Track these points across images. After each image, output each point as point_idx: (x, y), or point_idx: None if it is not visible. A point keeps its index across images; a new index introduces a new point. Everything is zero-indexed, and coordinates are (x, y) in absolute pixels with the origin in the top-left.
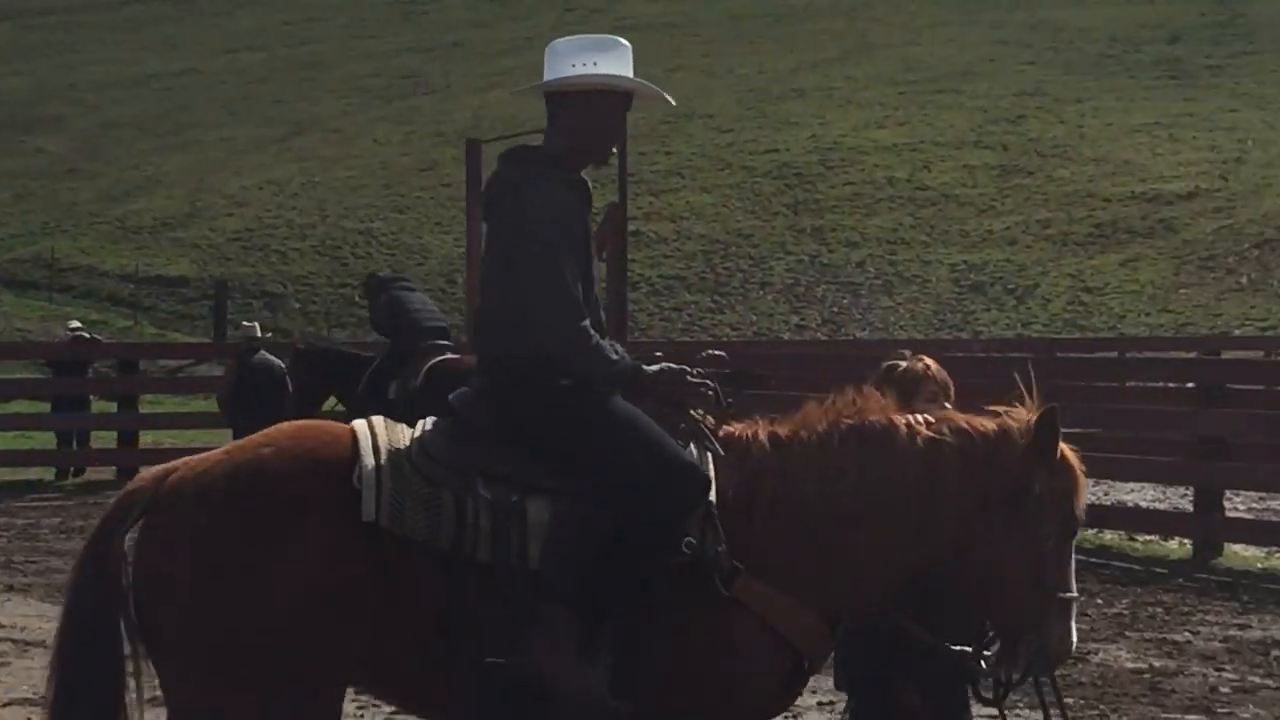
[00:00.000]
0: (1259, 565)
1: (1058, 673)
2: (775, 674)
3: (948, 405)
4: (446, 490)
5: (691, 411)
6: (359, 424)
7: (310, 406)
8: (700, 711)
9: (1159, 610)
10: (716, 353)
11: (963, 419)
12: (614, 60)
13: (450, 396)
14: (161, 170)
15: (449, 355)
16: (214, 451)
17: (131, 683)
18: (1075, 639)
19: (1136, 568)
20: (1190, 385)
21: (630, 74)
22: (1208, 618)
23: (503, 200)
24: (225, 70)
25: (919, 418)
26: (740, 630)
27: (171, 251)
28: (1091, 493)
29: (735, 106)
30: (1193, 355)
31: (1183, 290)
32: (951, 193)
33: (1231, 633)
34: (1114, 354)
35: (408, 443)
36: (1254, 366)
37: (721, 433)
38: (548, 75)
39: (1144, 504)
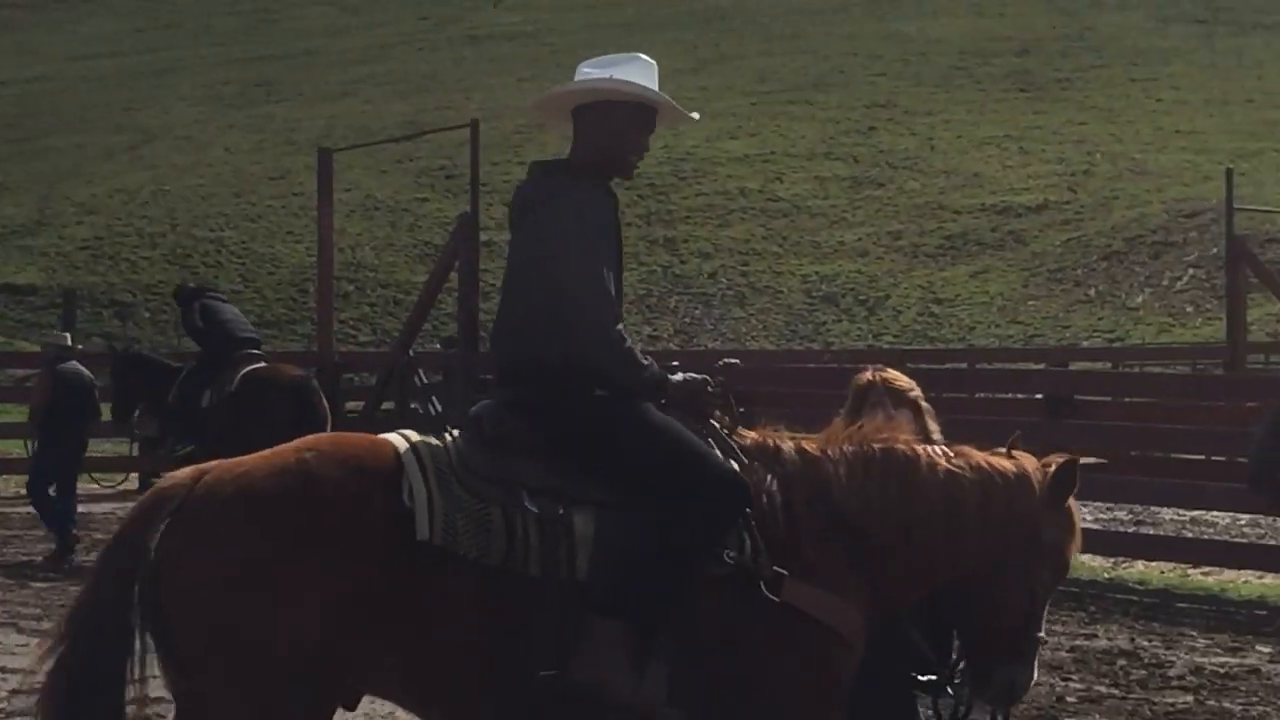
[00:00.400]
0: (1105, 575)
1: None
2: (841, 670)
3: (906, 413)
4: (495, 506)
5: (712, 421)
6: (395, 437)
7: (127, 414)
8: (765, 715)
9: None
10: (732, 361)
11: (981, 457)
12: (632, 72)
13: (477, 408)
14: (10, 178)
15: (261, 364)
16: (253, 455)
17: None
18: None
19: None
20: (1038, 396)
21: (652, 86)
22: (1054, 628)
23: (536, 210)
24: (76, 77)
25: (941, 450)
26: (798, 633)
27: (20, 260)
28: None
29: None
30: (1041, 367)
31: (1031, 302)
32: (803, 204)
33: (1078, 642)
34: (963, 365)
35: (449, 457)
36: (1101, 378)
37: (740, 442)
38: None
39: None
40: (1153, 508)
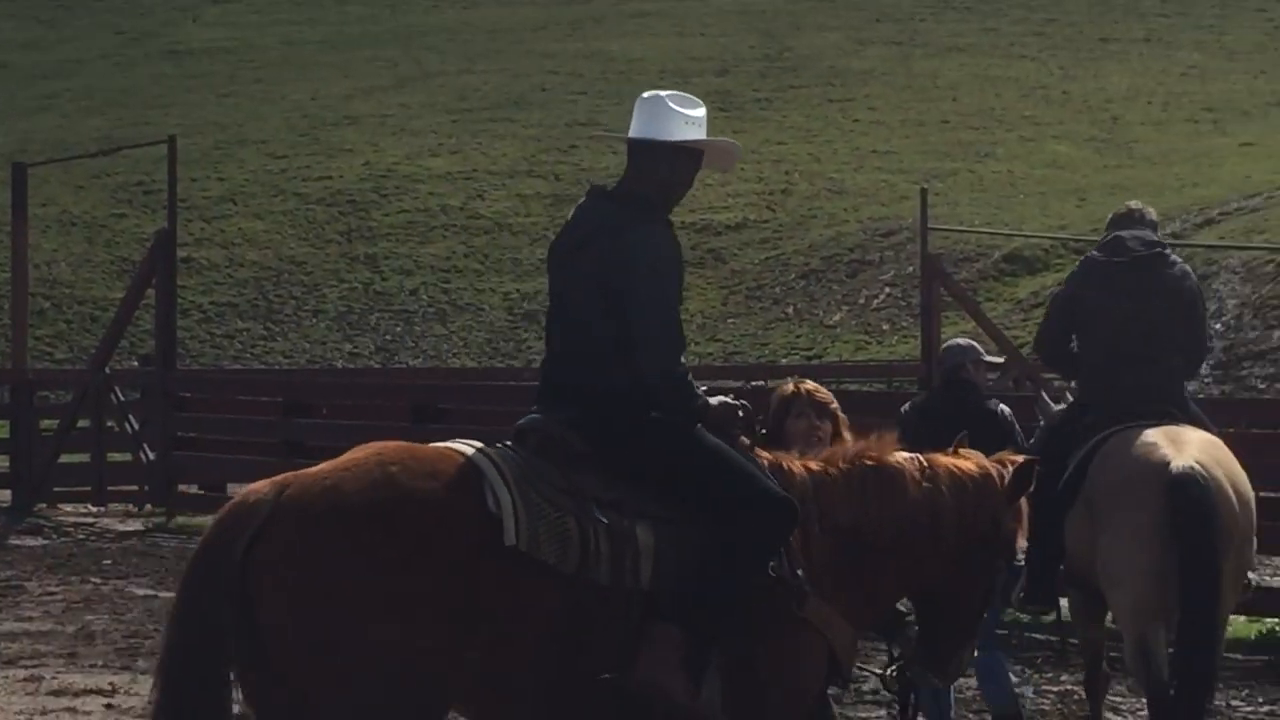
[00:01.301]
0: None
1: None
2: (822, 686)
3: (829, 424)
4: (569, 516)
5: (743, 441)
6: (461, 445)
7: None
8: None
9: None
10: (758, 383)
11: (947, 463)
12: (704, 119)
13: (526, 422)
14: None
15: None
16: (327, 466)
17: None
18: None
19: None
20: None
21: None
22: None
23: (607, 238)
24: None
25: (918, 460)
26: (811, 647)
27: None
28: None
29: (288, 133)
30: (740, 384)
31: (731, 320)
32: (505, 221)
33: None
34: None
35: (523, 467)
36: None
37: (759, 462)
38: (654, 126)
39: None
40: None
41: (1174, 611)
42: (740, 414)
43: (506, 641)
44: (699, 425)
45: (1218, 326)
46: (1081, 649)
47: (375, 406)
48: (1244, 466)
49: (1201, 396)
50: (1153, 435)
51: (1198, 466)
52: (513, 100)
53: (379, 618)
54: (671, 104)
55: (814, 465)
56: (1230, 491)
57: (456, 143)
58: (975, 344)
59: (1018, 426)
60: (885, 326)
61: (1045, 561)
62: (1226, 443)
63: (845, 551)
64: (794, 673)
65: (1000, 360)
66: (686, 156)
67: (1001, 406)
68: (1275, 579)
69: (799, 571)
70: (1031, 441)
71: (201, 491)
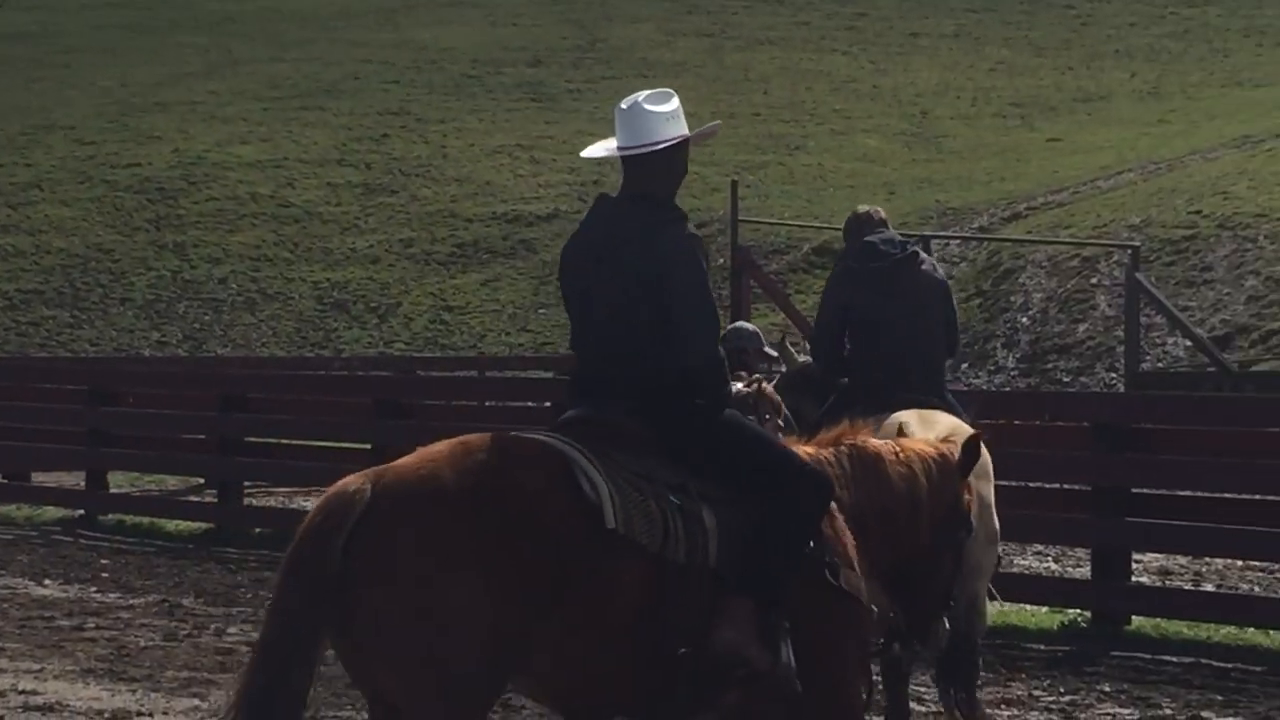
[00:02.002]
0: None
1: None
2: (870, 640)
3: (778, 420)
4: (650, 499)
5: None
6: (540, 435)
7: None
8: (823, 689)
9: None
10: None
11: (915, 446)
12: (679, 108)
13: (575, 414)
14: None
15: None
16: (418, 457)
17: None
18: None
19: None
20: (548, 404)
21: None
22: None
23: (641, 239)
24: None
25: (891, 444)
26: (850, 610)
27: None
28: None
29: (97, 119)
30: (550, 375)
31: (542, 310)
32: (315, 210)
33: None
34: (474, 373)
35: (602, 453)
36: None
37: None
38: (642, 133)
39: None
40: None
41: None
42: (751, 401)
43: (601, 622)
44: (734, 411)
45: (1024, 320)
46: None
47: (183, 396)
48: (1045, 458)
49: (1008, 389)
50: (905, 416)
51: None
52: (324, 88)
53: (480, 600)
54: (649, 107)
55: (809, 449)
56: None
57: (267, 130)
58: (759, 331)
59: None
60: None
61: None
62: (1030, 435)
63: (851, 524)
64: (846, 639)
65: (776, 354)
66: (677, 149)
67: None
68: (1078, 570)
69: (828, 545)
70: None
71: (5, 480)
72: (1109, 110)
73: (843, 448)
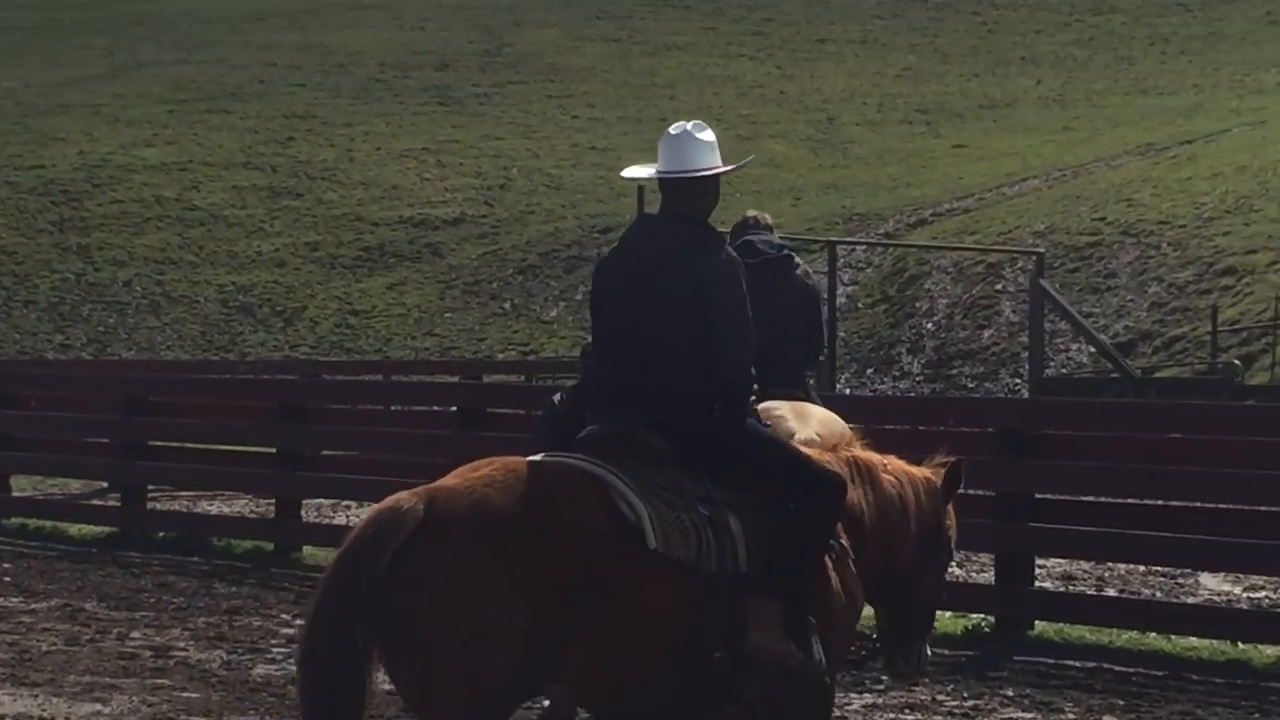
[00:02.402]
0: None
1: None
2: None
3: None
4: (682, 513)
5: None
6: (571, 459)
7: None
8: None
9: None
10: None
11: (900, 463)
12: (714, 138)
13: (594, 430)
14: None
15: None
16: (466, 480)
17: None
18: None
19: None
20: (453, 409)
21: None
22: None
23: (689, 259)
24: None
25: (879, 458)
26: (853, 613)
27: None
28: (355, 514)
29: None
30: (456, 379)
31: (448, 314)
32: (220, 213)
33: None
34: (380, 377)
35: (632, 474)
36: (514, 390)
37: None
38: (688, 159)
39: None
40: None
41: None
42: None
43: (642, 636)
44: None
45: (929, 326)
46: None
47: (86, 399)
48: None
49: (913, 394)
50: (781, 408)
51: (817, 437)
52: (229, 91)
53: (515, 620)
54: (697, 135)
55: (814, 454)
56: None
57: (172, 133)
58: None
59: None
60: None
61: None
62: (934, 440)
63: (848, 525)
64: (840, 635)
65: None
66: (714, 176)
67: None
68: (981, 575)
69: (842, 539)
70: None
71: None
72: (1014, 117)
73: (843, 454)
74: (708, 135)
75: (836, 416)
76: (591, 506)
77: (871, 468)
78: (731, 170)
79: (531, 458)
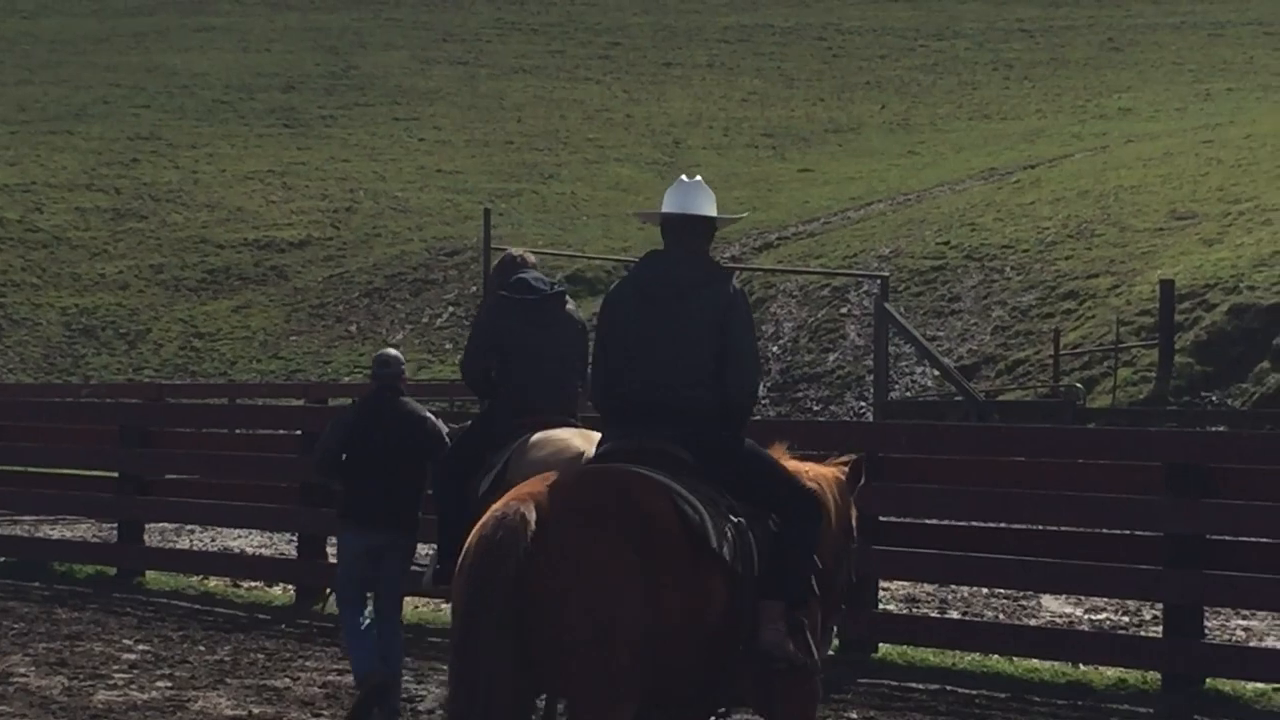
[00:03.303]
0: None
1: None
2: None
3: None
4: (721, 519)
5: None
6: (636, 468)
7: None
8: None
9: (260, 656)
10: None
11: (817, 467)
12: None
13: (619, 444)
14: None
15: None
16: (550, 486)
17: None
18: None
19: (240, 614)
20: (298, 432)
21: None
22: (308, 663)
23: (707, 289)
24: None
25: (800, 465)
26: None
27: None
28: (199, 539)
29: None
30: (301, 402)
31: (294, 337)
32: (64, 235)
33: (330, 678)
34: (225, 400)
35: (686, 484)
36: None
37: None
38: (694, 203)
39: (250, 550)
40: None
41: None
42: None
43: (696, 629)
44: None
45: (774, 349)
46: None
47: None
48: None
49: (758, 418)
50: (567, 432)
51: None
52: (73, 112)
53: (635, 600)
54: (702, 185)
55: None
56: None
57: (14, 154)
58: (397, 353)
59: (444, 430)
60: (448, 346)
61: (456, 543)
62: None
63: None
64: (820, 625)
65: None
66: (713, 220)
67: (429, 413)
68: None
69: None
70: (453, 444)
71: None
72: (859, 141)
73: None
74: (707, 187)
75: None
76: (663, 505)
77: (798, 472)
78: (729, 221)
79: (586, 466)
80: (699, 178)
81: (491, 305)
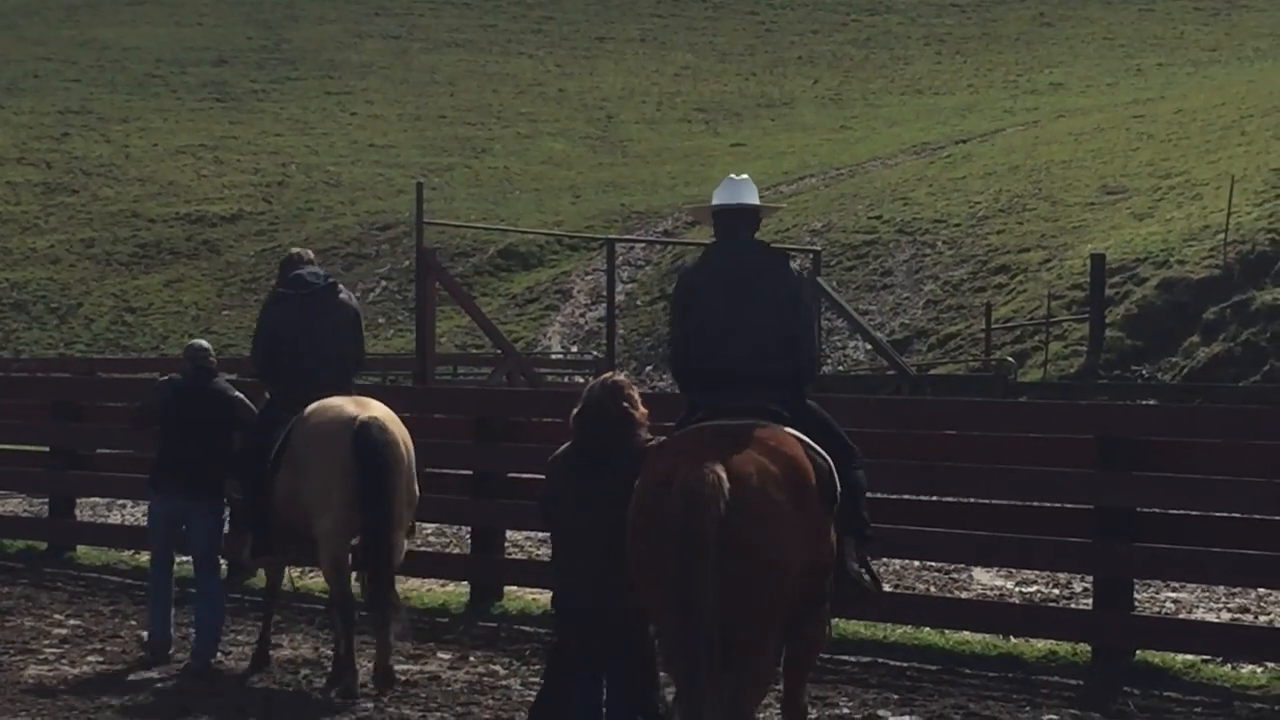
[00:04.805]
0: (294, 585)
1: None
2: None
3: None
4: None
5: None
6: (775, 426)
7: None
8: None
9: (192, 631)
10: None
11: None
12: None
13: (745, 403)
14: None
15: None
16: (696, 444)
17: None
18: None
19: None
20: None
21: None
22: (239, 637)
23: (774, 272)
24: None
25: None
26: None
27: None
28: (131, 513)
29: None
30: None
31: (226, 311)
32: None
33: (273, 652)
34: (156, 374)
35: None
36: None
37: None
38: (744, 195)
39: None
40: None
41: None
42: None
43: (823, 559)
44: None
45: None
46: (330, 596)
47: None
48: None
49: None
50: (341, 400)
51: (377, 419)
52: (3, 86)
53: (801, 543)
54: (748, 181)
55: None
56: (400, 441)
57: None
58: (207, 344)
59: (249, 404)
60: (381, 320)
61: (261, 519)
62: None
63: None
64: None
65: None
66: (759, 209)
67: (236, 392)
68: None
69: None
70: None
71: None
72: (792, 116)
73: None
74: (751, 182)
75: (389, 409)
76: (803, 457)
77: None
78: (771, 210)
79: (719, 422)
80: (745, 175)
81: (271, 300)
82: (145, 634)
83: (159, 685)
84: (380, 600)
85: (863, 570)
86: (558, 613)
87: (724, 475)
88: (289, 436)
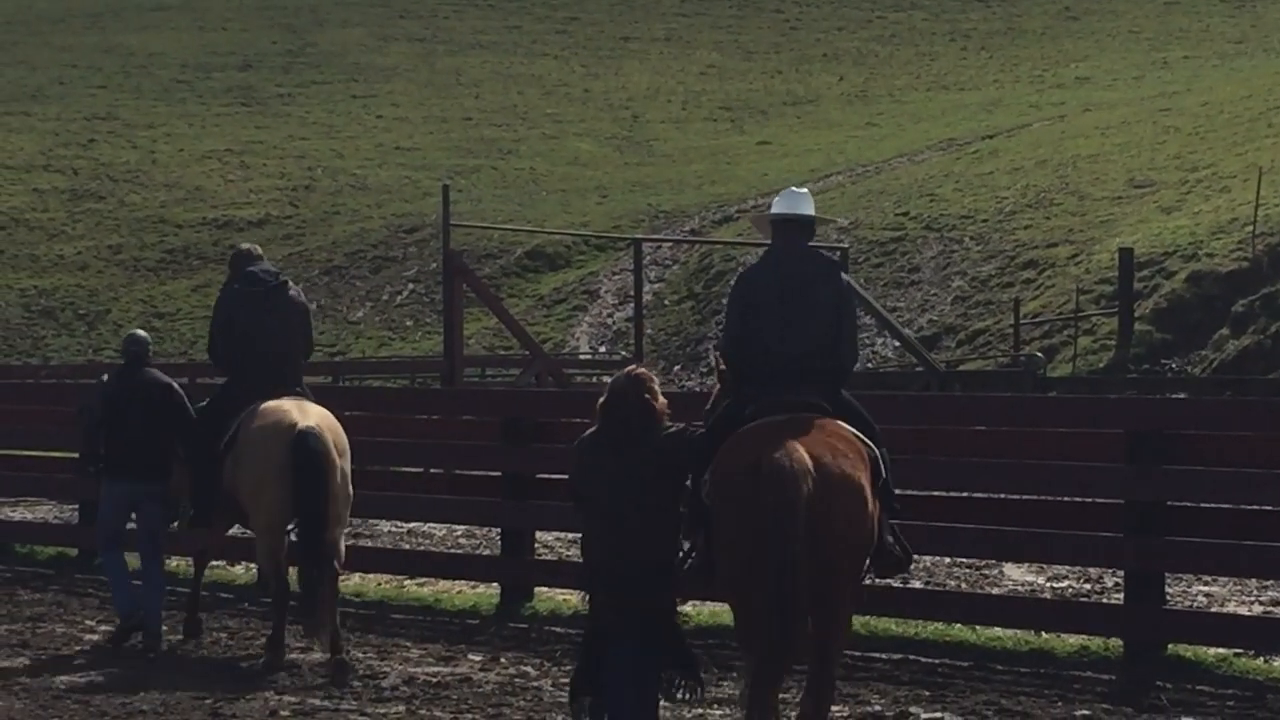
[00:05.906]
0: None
1: None
2: None
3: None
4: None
5: None
6: (840, 421)
7: None
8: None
9: (223, 635)
10: None
11: None
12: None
13: (772, 401)
14: None
15: None
16: (809, 442)
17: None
18: None
19: (203, 593)
20: None
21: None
22: (255, 641)
23: (827, 277)
24: None
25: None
26: None
27: None
28: None
29: None
30: None
31: None
32: (21, 217)
33: (293, 656)
34: (185, 380)
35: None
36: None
37: None
38: (801, 205)
39: None
40: (371, 520)
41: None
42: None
43: (874, 530)
44: None
45: None
46: (261, 573)
47: None
48: None
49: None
50: (287, 403)
51: (315, 426)
52: (29, 93)
53: (869, 515)
54: (806, 193)
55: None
56: (333, 448)
57: None
58: (145, 335)
59: (180, 390)
60: (409, 323)
61: (208, 494)
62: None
63: None
64: None
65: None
66: (815, 220)
67: (173, 381)
68: None
69: None
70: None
71: None
72: (818, 113)
73: None
74: (808, 194)
75: (329, 414)
76: (857, 442)
77: None
78: (826, 221)
79: (785, 416)
80: (805, 188)
81: (225, 296)
82: (120, 613)
83: (190, 692)
84: (313, 593)
85: (894, 542)
86: (587, 581)
87: (808, 457)
88: (237, 431)
